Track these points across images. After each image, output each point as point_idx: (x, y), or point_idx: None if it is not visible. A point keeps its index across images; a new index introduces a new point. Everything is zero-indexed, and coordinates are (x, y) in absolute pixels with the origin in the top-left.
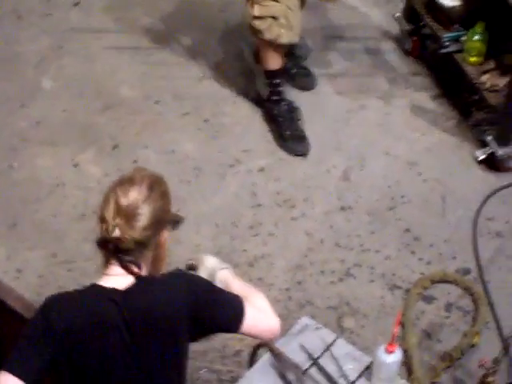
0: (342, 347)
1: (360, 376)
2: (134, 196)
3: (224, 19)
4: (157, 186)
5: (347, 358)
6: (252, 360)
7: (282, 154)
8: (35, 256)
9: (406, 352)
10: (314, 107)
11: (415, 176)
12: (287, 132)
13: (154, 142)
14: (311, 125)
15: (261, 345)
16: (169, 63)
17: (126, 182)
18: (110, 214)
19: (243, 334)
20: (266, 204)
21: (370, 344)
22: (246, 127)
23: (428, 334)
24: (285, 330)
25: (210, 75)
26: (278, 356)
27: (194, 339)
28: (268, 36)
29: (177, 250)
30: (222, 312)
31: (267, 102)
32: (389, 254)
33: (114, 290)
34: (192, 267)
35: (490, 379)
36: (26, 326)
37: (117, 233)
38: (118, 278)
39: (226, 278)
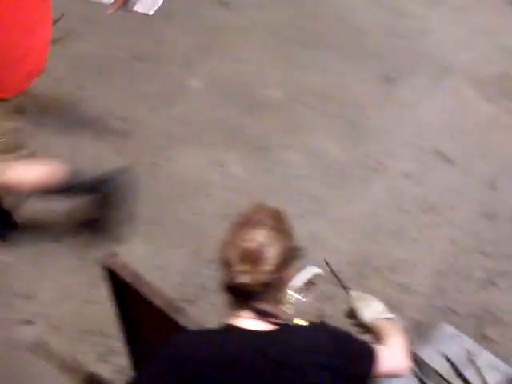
0: (485, 358)
1: None
2: (259, 239)
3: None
4: (280, 225)
5: (490, 369)
6: None
7: (428, 158)
8: (178, 253)
9: None
10: (460, 114)
11: None
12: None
13: (298, 143)
14: (457, 131)
15: None
16: (316, 66)
17: (249, 223)
18: (235, 259)
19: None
20: (410, 209)
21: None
22: (391, 131)
23: None
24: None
25: (357, 78)
26: (419, 363)
27: None
28: None
29: (315, 251)
30: (357, 363)
31: None
32: None
33: (252, 332)
34: (352, 315)
35: None
36: (152, 357)
37: (244, 279)
38: (251, 321)
39: (383, 329)
